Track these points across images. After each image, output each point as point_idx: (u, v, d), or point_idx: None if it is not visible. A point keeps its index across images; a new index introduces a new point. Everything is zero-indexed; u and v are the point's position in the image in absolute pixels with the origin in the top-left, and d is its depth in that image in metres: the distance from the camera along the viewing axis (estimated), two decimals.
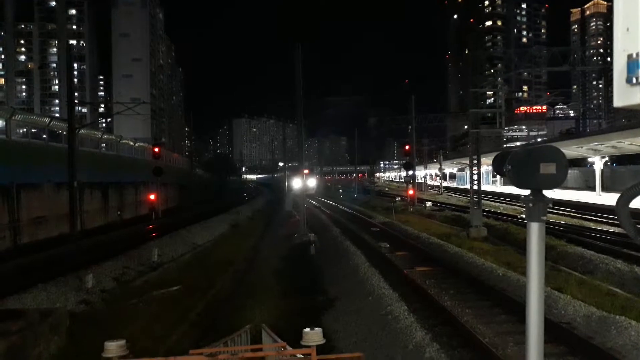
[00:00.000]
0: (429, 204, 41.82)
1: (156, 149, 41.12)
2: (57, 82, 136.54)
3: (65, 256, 19.92)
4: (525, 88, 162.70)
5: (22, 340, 8.13)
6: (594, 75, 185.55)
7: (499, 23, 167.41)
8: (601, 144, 38.16)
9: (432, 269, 15.73)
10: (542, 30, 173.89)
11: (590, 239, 20.39)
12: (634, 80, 1.62)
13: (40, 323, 8.77)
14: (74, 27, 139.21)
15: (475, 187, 24.98)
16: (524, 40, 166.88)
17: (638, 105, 1.66)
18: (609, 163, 52.08)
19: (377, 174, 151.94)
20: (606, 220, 25.61)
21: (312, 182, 69.26)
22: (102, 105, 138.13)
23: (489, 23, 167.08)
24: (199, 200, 59.30)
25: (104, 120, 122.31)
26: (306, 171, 69.42)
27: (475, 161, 25.42)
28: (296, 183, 56.49)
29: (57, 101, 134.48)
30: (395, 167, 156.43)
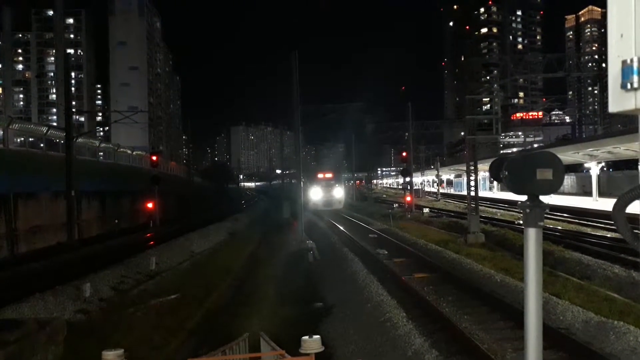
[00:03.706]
0: (426, 210, 41.82)
1: (154, 158, 41.06)
2: (54, 90, 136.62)
3: (63, 265, 19.84)
4: (521, 94, 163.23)
5: (19, 350, 8.08)
6: (589, 81, 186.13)
7: (495, 30, 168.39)
8: (597, 150, 38.26)
9: (430, 275, 15.70)
10: (538, 37, 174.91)
11: (588, 244, 20.40)
12: (629, 86, 1.63)
13: (37, 333, 8.72)
14: (72, 36, 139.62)
15: (473, 194, 25.01)
16: (520, 46, 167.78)
17: (633, 111, 1.66)
18: (605, 168, 52.16)
19: (375, 181, 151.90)
20: (603, 225, 25.62)
21: (338, 193, 46.99)
22: (100, 114, 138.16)
23: (484, 30, 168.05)
24: (197, 208, 59.16)
25: (101, 128, 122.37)
26: (329, 175, 48.36)
27: (472, 167, 25.46)
28: (315, 194, 44.96)
29: (54, 110, 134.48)
30: (392, 173, 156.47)
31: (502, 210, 39.85)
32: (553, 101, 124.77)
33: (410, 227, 30.51)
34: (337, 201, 46.32)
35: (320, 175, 47.59)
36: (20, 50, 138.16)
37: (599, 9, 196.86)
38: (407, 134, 46.57)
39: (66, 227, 25.51)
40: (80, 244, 25.94)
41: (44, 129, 30.08)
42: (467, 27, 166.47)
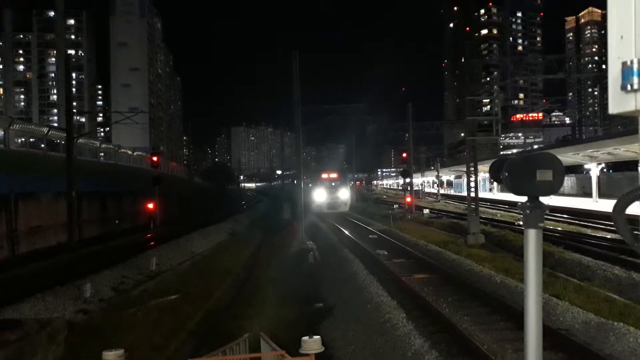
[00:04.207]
0: (426, 211, 41.79)
1: (154, 158, 41.05)
2: (55, 91, 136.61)
3: (63, 265, 19.86)
4: (521, 95, 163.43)
5: (20, 350, 8.08)
6: (589, 82, 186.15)
7: (495, 31, 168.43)
8: (597, 151, 38.25)
9: (430, 276, 15.70)
10: (538, 39, 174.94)
11: (588, 245, 20.39)
12: (629, 87, 1.63)
13: (38, 333, 8.73)
14: (73, 36, 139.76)
15: (473, 194, 25.01)
16: (520, 48, 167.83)
17: (633, 112, 1.67)
18: (605, 169, 52.17)
19: (375, 182, 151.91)
20: (603, 226, 25.62)
21: (344, 194, 43.76)
22: (101, 115, 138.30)
23: (484, 31, 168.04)
24: (198, 209, 59.21)
25: (102, 129, 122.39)
26: (334, 175, 44.25)
27: (472, 168, 25.46)
28: (318, 196, 42.19)
29: (55, 111, 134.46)
30: (392, 174, 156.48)
31: (502, 212, 39.83)
32: (553, 102, 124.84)
33: (410, 228, 30.51)
34: (343, 203, 43.23)
35: (324, 175, 44.43)
36: (21, 51, 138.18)
37: (599, 11, 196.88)
38: (407, 134, 46.57)
39: (67, 228, 25.52)
40: (80, 245, 25.95)
41: (45, 130, 30.09)
42: (468, 29, 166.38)
